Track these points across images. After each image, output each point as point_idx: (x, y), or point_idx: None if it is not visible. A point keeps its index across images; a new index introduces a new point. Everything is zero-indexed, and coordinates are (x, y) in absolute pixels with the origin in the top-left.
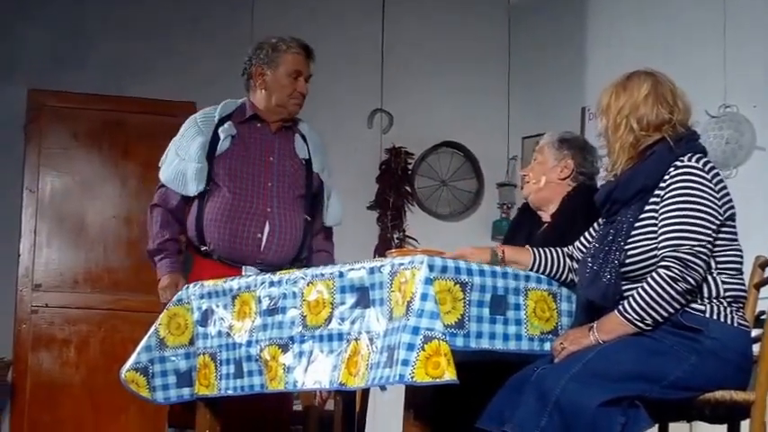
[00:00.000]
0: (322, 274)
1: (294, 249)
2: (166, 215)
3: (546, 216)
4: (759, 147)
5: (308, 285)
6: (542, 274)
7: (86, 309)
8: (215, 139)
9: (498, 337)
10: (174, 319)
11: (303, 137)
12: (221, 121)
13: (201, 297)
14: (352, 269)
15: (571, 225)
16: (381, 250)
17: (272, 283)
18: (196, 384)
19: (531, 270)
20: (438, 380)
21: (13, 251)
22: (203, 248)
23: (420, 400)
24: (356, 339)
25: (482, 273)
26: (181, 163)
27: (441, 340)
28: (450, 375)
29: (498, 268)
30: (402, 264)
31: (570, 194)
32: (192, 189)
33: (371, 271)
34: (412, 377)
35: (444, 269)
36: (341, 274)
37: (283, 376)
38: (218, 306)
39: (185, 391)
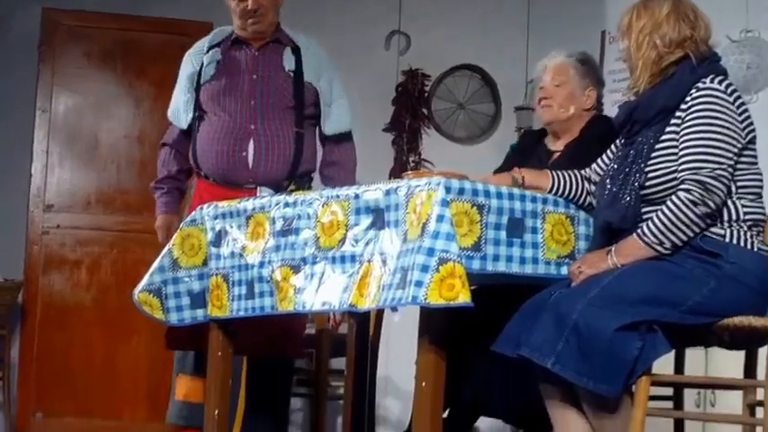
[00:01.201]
0: (337, 196)
1: (286, 164)
2: (168, 152)
3: (557, 145)
4: None
5: (322, 206)
6: (561, 197)
7: (98, 230)
8: (202, 68)
9: (515, 261)
10: (187, 239)
11: (297, 49)
12: (210, 50)
13: (215, 218)
14: (368, 191)
15: (587, 157)
16: (397, 173)
17: (286, 204)
18: (209, 306)
19: (550, 193)
20: (452, 302)
21: (24, 172)
22: (201, 173)
23: (435, 325)
24: (369, 261)
25: (500, 195)
26: (177, 95)
27: (456, 262)
28: (464, 298)
29: (516, 190)
30: (418, 185)
31: (589, 125)
32: (183, 121)
33: (387, 192)
34: (425, 298)
35: (461, 191)
36: (356, 196)
37: (293, 297)
38: (231, 227)
39: (199, 313)
